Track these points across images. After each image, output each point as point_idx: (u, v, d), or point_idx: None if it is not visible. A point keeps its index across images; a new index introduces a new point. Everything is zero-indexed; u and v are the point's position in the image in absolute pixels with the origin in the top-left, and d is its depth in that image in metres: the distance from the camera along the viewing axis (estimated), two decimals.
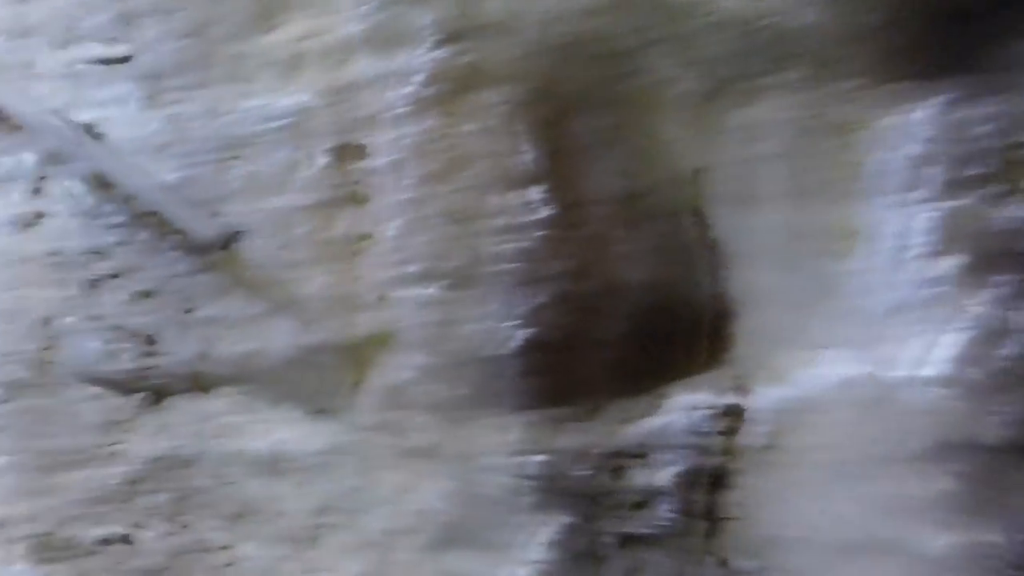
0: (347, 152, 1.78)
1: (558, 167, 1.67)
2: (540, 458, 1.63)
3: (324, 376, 1.75)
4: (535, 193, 1.65)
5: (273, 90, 1.80)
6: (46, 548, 1.78)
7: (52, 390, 1.82)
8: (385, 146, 1.74)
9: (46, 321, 1.81)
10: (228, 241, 1.78)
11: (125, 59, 1.85)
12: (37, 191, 1.82)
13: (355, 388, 1.74)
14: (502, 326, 1.64)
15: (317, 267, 1.77)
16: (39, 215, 1.82)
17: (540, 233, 1.64)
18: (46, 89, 1.84)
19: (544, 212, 1.65)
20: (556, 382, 1.64)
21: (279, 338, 1.77)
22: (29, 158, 1.82)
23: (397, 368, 1.71)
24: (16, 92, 1.83)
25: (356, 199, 1.77)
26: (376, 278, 1.74)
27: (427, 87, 1.70)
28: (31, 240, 1.82)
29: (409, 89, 1.71)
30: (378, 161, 1.75)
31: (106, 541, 1.78)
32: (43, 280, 1.81)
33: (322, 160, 1.77)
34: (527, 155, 1.67)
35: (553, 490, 1.62)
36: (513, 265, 1.64)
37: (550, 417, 1.64)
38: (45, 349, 1.81)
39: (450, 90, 1.70)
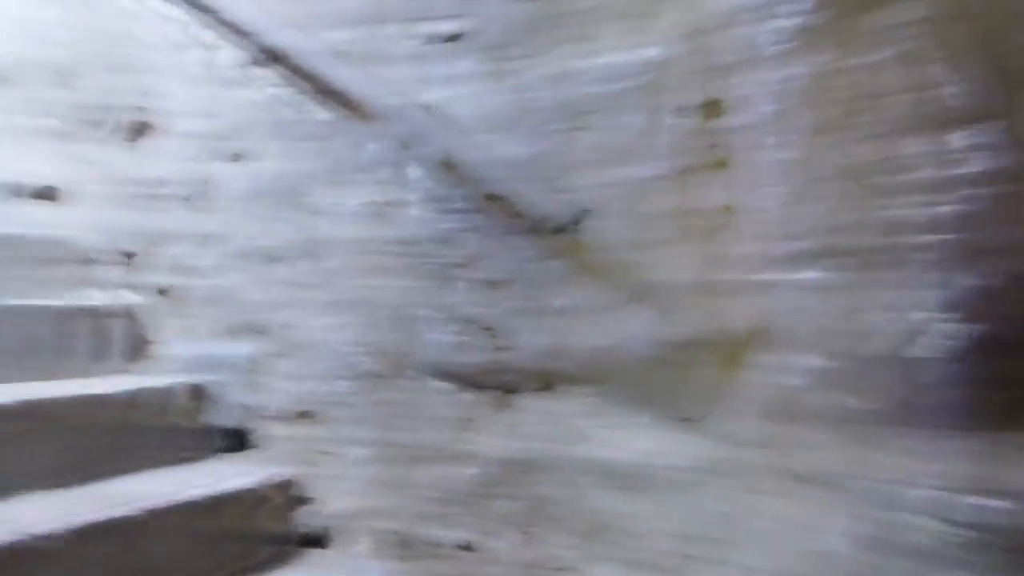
0: (707, 108, 1.48)
1: (1004, 98, 1.22)
2: (984, 500, 1.19)
3: (687, 377, 1.47)
4: (974, 135, 1.21)
5: (623, 45, 1.56)
6: (398, 546, 1.74)
7: (406, 383, 1.77)
8: (757, 95, 1.41)
9: (398, 311, 1.77)
10: (576, 221, 1.58)
11: (468, 34, 1.74)
12: (388, 179, 1.79)
13: (725, 393, 1.43)
14: (930, 319, 1.23)
15: (674, 247, 1.50)
16: (391, 203, 1.79)
17: (984, 190, 1.20)
18: (394, 74, 1.79)
19: (989, 161, 1.20)
20: (1011, 397, 1.19)
21: (634, 332, 1.52)
22: (380, 146, 1.79)
23: (780, 370, 1.38)
24: (367, 80, 1.81)
25: (718, 164, 1.47)
26: (747, 258, 1.42)
27: (814, 13, 1.34)
28: (382, 228, 1.78)
29: (790, 20, 1.37)
30: (747, 115, 1.42)
31: (457, 546, 1.68)
32: (394, 269, 1.77)
33: (678, 120, 1.50)
34: (959, 86, 1.23)
35: (1005, 547, 1.17)
36: (945, 236, 1.22)
37: (1000, 444, 1.19)
38: (398, 341, 1.77)
39: (845, 13, 1.32)
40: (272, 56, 1.94)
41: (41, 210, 2.37)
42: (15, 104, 2.54)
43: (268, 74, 1.94)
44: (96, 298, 2.16)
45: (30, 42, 2.48)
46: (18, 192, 2.40)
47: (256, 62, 1.96)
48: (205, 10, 2.03)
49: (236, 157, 2.00)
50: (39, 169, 2.42)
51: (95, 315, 2.07)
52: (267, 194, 1.94)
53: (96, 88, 2.30)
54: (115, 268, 2.23)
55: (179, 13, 2.10)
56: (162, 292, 2.14)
